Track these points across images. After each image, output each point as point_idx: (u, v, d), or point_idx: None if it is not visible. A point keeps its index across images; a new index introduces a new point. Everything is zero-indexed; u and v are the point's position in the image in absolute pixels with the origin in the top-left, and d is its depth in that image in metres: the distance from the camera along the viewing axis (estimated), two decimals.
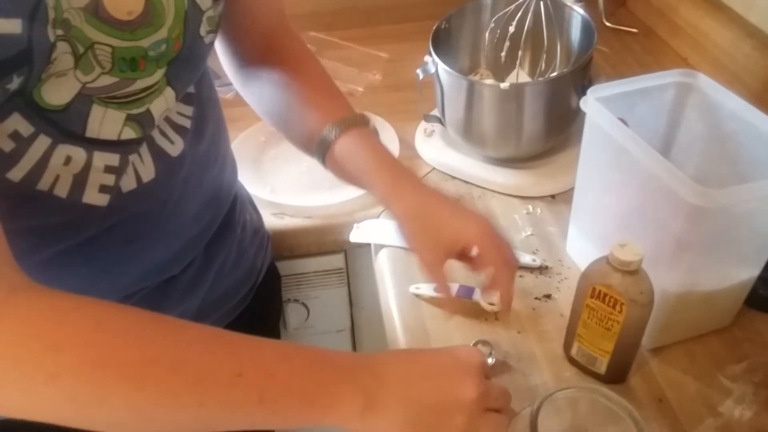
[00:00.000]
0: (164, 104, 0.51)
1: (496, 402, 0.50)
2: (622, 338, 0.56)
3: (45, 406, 0.38)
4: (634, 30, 0.84)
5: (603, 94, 0.60)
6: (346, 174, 0.61)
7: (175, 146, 0.54)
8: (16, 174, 0.44)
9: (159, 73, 0.49)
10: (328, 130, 0.59)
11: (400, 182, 0.58)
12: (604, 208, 0.63)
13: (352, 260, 0.86)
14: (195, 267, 0.63)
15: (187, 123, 0.56)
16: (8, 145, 0.43)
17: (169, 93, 0.51)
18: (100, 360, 0.37)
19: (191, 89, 0.57)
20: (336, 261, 0.85)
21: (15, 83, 0.40)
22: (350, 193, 0.80)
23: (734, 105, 0.59)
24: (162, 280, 0.60)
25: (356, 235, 0.77)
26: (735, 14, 0.92)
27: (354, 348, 0.96)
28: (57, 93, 0.43)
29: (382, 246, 0.75)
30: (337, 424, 0.44)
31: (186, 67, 0.52)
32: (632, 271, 0.52)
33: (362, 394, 0.44)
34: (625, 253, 0.52)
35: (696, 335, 0.62)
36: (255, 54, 0.65)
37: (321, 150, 0.60)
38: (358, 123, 0.60)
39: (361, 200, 0.79)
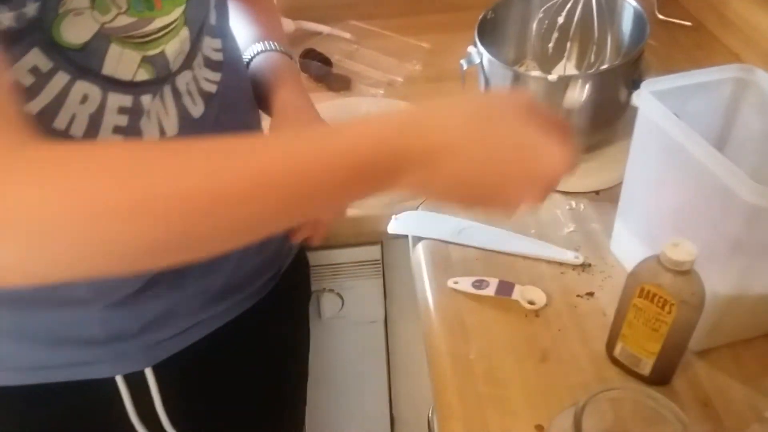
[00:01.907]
0: (179, 46, 0.51)
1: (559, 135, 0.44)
2: (669, 340, 0.54)
3: (58, 258, 0.36)
4: (687, 23, 0.81)
5: (657, 88, 0.58)
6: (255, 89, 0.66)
7: (197, 108, 0.55)
8: (33, 107, 0.45)
9: (177, 12, 0.50)
10: (251, 49, 0.68)
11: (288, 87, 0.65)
12: (655, 206, 0.62)
13: (389, 252, 0.86)
14: None
15: (212, 88, 0.56)
16: (28, 80, 0.44)
17: (184, 34, 0.51)
18: (103, 205, 0.35)
19: (219, 56, 0.58)
20: (372, 252, 0.85)
21: (31, 9, 0.41)
22: None
23: None
24: None
25: (394, 227, 0.76)
26: None
27: (387, 341, 0.96)
28: (75, 31, 0.44)
29: (420, 238, 0.74)
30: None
31: (199, 5, 0.53)
32: (684, 271, 0.51)
33: (420, 163, 0.40)
34: (677, 252, 0.50)
35: (745, 338, 0.60)
36: None
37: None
38: (281, 50, 0.68)
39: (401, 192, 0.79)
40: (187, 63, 0.54)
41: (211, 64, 0.56)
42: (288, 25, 1.09)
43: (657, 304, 0.53)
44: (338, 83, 1.01)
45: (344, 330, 0.92)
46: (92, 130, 0.48)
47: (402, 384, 1.01)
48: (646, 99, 0.57)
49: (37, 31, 0.43)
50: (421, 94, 0.95)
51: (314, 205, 0.41)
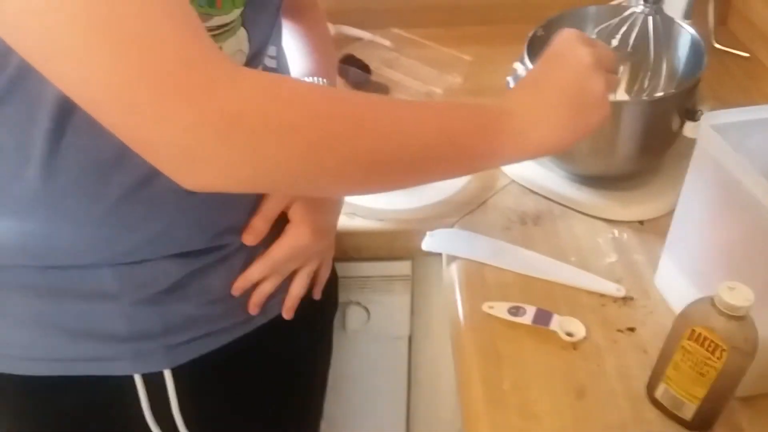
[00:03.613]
0: (236, 44, 0.53)
1: (609, 59, 0.57)
2: (716, 385, 0.52)
3: (284, 160, 0.43)
4: (745, 54, 0.78)
5: (717, 121, 0.56)
6: None
7: None
8: None
9: (235, 13, 0.51)
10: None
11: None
12: (707, 243, 0.59)
13: (419, 268, 0.84)
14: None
15: (273, 63, 0.60)
16: None
17: (242, 34, 0.53)
18: (325, 112, 0.44)
19: (273, 64, 0.60)
20: (403, 267, 0.83)
21: None
22: (426, 198, 0.77)
23: None
24: (215, 245, 0.59)
25: (429, 244, 0.74)
26: None
27: (409, 358, 0.94)
28: None
29: (455, 257, 0.73)
30: (507, 154, 0.54)
31: (261, 10, 0.54)
32: (739, 316, 0.48)
33: (513, 121, 0.52)
34: (734, 296, 0.48)
35: None
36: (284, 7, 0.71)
37: None
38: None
39: (437, 208, 0.77)
40: (250, 67, 0.54)
41: (266, 70, 0.58)
42: (328, 29, 1.08)
43: (707, 348, 0.50)
44: (376, 91, 0.99)
45: (367, 344, 0.91)
46: None
47: (421, 403, 0.99)
48: (706, 132, 0.55)
49: None
50: None
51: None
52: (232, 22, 0.51)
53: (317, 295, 0.71)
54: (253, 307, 0.64)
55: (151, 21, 0.38)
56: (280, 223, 0.64)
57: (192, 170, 0.42)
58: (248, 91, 0.40)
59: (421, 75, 1.02)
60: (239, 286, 0.61)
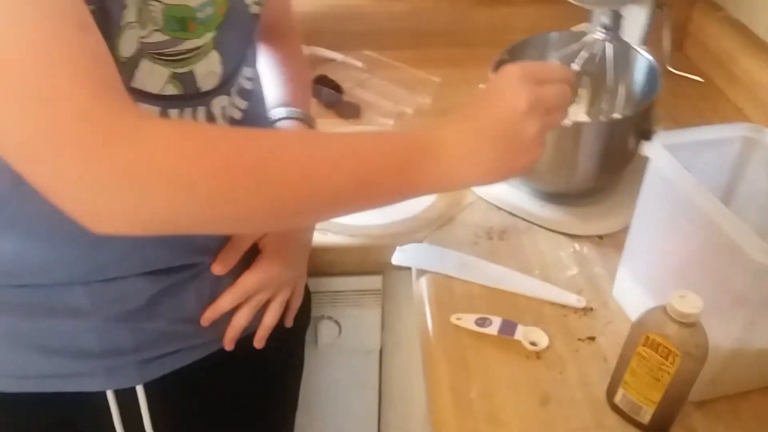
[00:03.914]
0: (208, 66, 0.54)
1: (553, 99, 0.53)
2: (671, 390, 0.55)
3: (184, 211, 0.43)
4: (698, 78, 0.83)
5: (669, 141, 0.60)
6: None
7: (239, 109, 0.59)
8: None
9: (207, 36, 0.53)
10: (276, 111, 0.70)
11: None
12: (660, 255, 0.63)
13: (390, 283, 0.86)
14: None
15: (238, 115, 0.60)
16: None
17: (214, 56, 0.54)
18: (227, 164, 0.43)
19: (250, 85, 0.61)
20: (374, 282, 0.85)
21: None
22: (396, 215, 0.79)
23: None
24: (187, 263, 0.60)
25: (399, 258, 0.76)
26: None
27: (380, 370, 0.96)
28: (127, 45, 0.47)
29: (424, 271, 0.75)
30: (431, 191, 0.55)
31: (232, 34, 0.55)
32: (690, 323, 0.51)
33: (439, 157, 0.51)
34: (684, 304, 0.51)
35: (743, 391, 0.61)
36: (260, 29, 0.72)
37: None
38: (303, 119, 0.71)
39: (406, 224, 0.79)
40: (224, 88, 0.56)
41: (242, 92, 0.59)
42: (303, 53, 1.10)
43: (661, 353, 0.53)
44: (348, 111, 1.02)
45: (339, 358, 0.92)
46: None
47: (392, 416, 1.00)
48: (659, 152, 0.59)
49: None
50: (429, 127, 0.96)
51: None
52: (203, 45, 0.52)
53: (289, 323, 0.72)
54: (229, 342, 0.65)
55: (54, 77, 0.39)
56: (252, 248, 0.65)
57: (95, 220, 0.43)
58: (145, 145, 0.41)
59: (391, 95, 1.05)
60: (209, 316, 0.62)
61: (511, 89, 0.52)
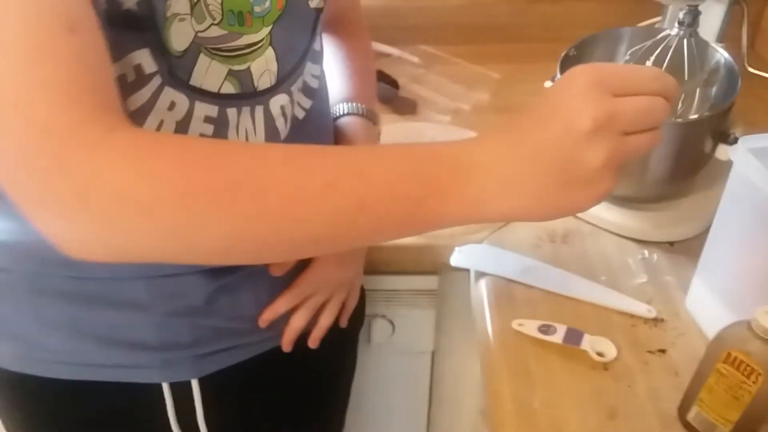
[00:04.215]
0: (264, 65, 0.52)
1: (634, 119, 0.40)
2: (750, 410, 0.51)
3: (146, 240, 0.38)
4: None
5: (755, 145, 0.56)
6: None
7: (285, 130, 0.56)
8: (128, 106, 0.46)
9: (264, 32, 0.51)
10: (339, 107, 0.68)
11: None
12: (742, 267, 0.59)
13: (446, 284, 0.84)
14: None
15: (301, 114, 0.58)
16: (131, 76, 0.45)
17: (269, 54, 0.52)
18: (192, 189, 0.37)
19: (316, 83, 0.59)
20: (430, 282, 0.83)
21: (130, 2, 0.42)
22: None
23: None
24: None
25: (457, 259, 0.74)
26: None
27: (432, 372, 0.94)
28: (179, 38, 0.46)
29: (483, 273, 0.73)
30: (456, 222, 0.42)
31: (289, 29, 0.53)
32: None
33: (470, 182, 0.40)
34: None
35: None
36: (325, 23, 0.69)
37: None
38: (366, 115, 0.68)
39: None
40: (282, 86, 0.55)
41: (306, 90, 0.57)
42: (370, 44, 1.09)
43: (743, 371, 0.50)
44: (404, 107, 1.00)
45: (391, 357, 0.91)
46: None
47: (442, 419, 0.99)
48: (744, 156, 0.55)
49: (150, 31, 0.44)
50: (488, 124, 0.94)
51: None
52: (261, 40, 0.51)
53: (344, 323, 0.71)
54: (287, 344, 0.65)
55: (27, 81, 0.36)
56: None
57: (64, 245, 0.39)
58: (100, 164, 0.36)
59: (448, 91, 1.03)
60: (266, 318, 0.62)
61: (575, 101, 0.39)
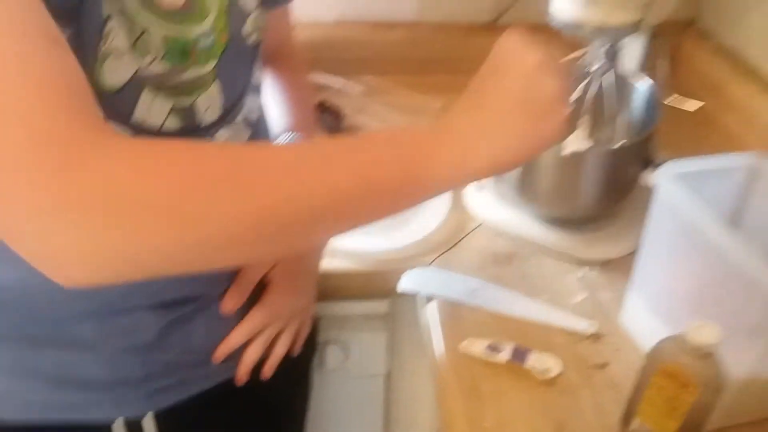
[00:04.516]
0: (209, 99, 0.53)
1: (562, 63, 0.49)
2: (688, 419, 0.55)
3: (162, 240, 0.37)
4: (700, 102, 0.85)
5: (676, 170, 0.61)
6: None
7: (243, 141, 0.58)
8: None
9: (209, 65, 0.52)
10: (281, 138, 0.69)
11: None
12: (672, 284, 0.63)
13: (397, 307, 0.86)
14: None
15: (254, 115, 0.60)
16: None
17: (215, 88, 0.53)
18: (198, 174, 0.37)
19: (256, 115, 0.61)
20: (381, 306, 0.85)
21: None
22: (402, 239, 0.80)
23: None
24: (195, 295, 0.60)
25: (406, 284, 0.77)
26: None
27: (386, 395, 0.95)
28: (114, 74, 0.46)
29: (432, 297, 0.75)
30: (448, 183, 0.45)
31: (233, 63, 0.55)
32: (707, 354, 0.52)
33: (453, 142, 0.45)
34: (702, 335, 0.51)
35: (756, 419, 0.62)
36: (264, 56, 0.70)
37: None
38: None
39: (413, 248, 0.80)
40: (226, 120, 0.56)
41: (247, 122, 0.59)
42: (307, 77, 1.11)
43: (679, 383, 0.54)
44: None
45: (346, 382, 0.92)
46: None
47: None
48: (666, 181, 0.60)
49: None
50: None
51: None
52: (206, 75, 0.52)
53: (297, 351, 0.72)
54: (242, 377, 0.65)
55: (10, 86, 0.35)
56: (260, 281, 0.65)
57: (57, 265, 0.37)
58: (104, 167, 0.35)
59: (392, 120, 1.06)
60: (221, 353, 0.62)
61: (515, 51, 0.47)
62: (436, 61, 1.17)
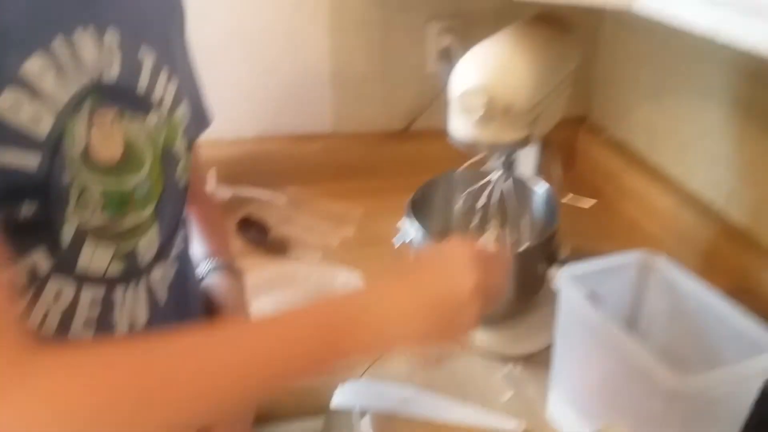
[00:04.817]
0: (148, 243, 0.55)
1: (496, 290, 0.56)
2: None
3: None
4: (592, 200, 0.92)
5: (574, 272, 0.66)
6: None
7: (164, 297, 0.59)
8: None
9: (147, 212, 0.55)
10: (203, 266, 0.73)
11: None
12: (585, 378, 0.67)
13: (333, 423, 0.86)
14: None
15: (172, 276, 0.61)
16: (24, 275, 0.46)
17: (153, 231, 0.56)
18: (128, 389, 0.40)
19: (182, 246, 0.63)
20: (315, 425, 0.84)
21: (29, 209, 0.45)
22: None
23: (691, 286, 0.65)
24: None
25: (338, 399, 0.77)
26: (676, 183, 1.03)
27: None
28: (66, 234, 0.48)
29: (365, 411, 0.75)
30: (366, 353, 0.53)
31: (169, 206, 0.58)
32: None
33: (374, 321, 0.51)
34: None
35: None
36: None
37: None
38: (227, 267, 0.74)
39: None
40: (162, 256, 0.58)
41: (177, 257, 0.61)
42: (224, 192, 1.14)
43: None
44: (275, 249, 1.05)
45: None
46: (64, 326, 0.50)
47: None
48: (566, 285, 0.65)
49: (45, 231, 0.46)
50: (356, 259, 1.00)
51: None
52: (145, 221, 0.55)
53: None
54: None
55: None
56: None
57: None
58: (40, 385, 0.38)
59: (317, 229, 1.09)
60: None
61: (461, 270, 0.54)
62: (354, 168, 1.23)
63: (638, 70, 1.11)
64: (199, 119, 0.74)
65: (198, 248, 0.75)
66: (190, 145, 0.63)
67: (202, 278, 0.73)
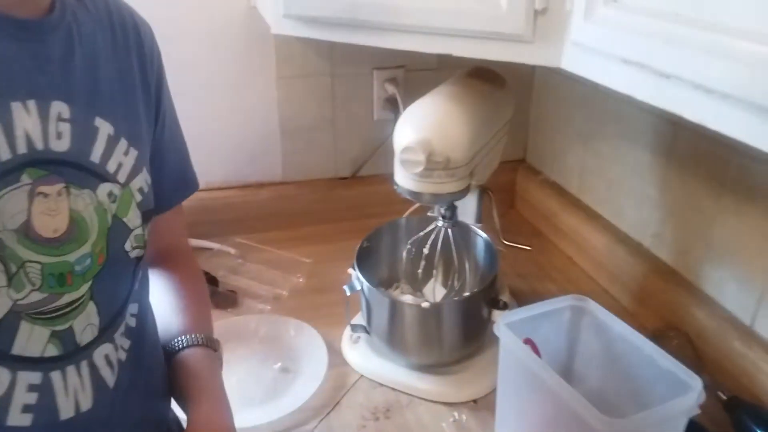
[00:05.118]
0: (86, 320, 0.54)
1: None
2: None
3: None
4: (528, 248, 0.96)
5: (511, 319, 0.69)
6: (174, 382, 0.66)
7: (113, 377, 0.57)
8: None
9: (84, 287, 0.53)
10: (178, 340, 0.67)
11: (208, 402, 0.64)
12: (526, 423, 0.70)
13: None
14: None
15: (124, 355, 0.59)
16: None
17: (91, 308, 0.55)
18: None
19: (134, 322, 0.61)
20: None
21: None
22: (282, 409, 0.81)
23: (620, 329, 0.69)
24: None
25: None
26: (608, 223, 1.09)
27: None
28: None
29: None
30: None
31: (111, 280, 0.56)
32: None
33: None
34: None
35: None
36: (154, 258, 0.72)
37: (168, 353, 0.67)
38: (206, 343, 0.68)
39: (294, 416, 0.81)
40: (105, 337, 0.57)
41: (127, 332, 0.59)
42: (200, 271, 1.13)
43: None
44: (225, 301, 1.05)
45: None
46: (1, 412, 0.49)
47: None
48: (504, 331, 0.68)
49: None
50: (307, 307, 1.01)
51: None
52: (81, 297, 0.54)
53: None
54: None
55: None
56: None
57: None
58: None
59: (266, 279, 1.10)
60: None
61: None
62: (303, 215, 1.25)
63: (570, 114, 1.18)
64: (184, 183, 0.74)
65: (174, 318, 0.70)
66: (149, 214, 0.61)
67: (177, 351, 0.67)
